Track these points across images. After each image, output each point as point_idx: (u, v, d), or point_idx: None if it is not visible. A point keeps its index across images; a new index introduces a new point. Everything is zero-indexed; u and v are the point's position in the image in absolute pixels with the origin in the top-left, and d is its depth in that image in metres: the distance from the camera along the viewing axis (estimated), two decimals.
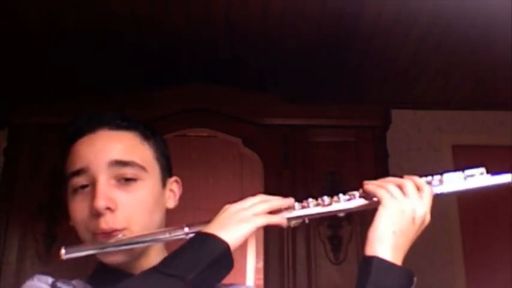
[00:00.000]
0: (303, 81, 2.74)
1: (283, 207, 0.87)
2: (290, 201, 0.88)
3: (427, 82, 2.80)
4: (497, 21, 2.25)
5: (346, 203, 0.88)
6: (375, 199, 0.87)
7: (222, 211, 0.85)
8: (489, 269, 2.74)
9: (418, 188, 0.87)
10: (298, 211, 0.87)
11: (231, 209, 0.84)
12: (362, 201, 0.88)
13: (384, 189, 0.86)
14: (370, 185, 0.87)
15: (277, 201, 0.87)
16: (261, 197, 0.87)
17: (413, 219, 0.84)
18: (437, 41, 2.45)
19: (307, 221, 0.88)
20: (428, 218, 0.86)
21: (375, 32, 2.39)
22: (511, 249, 2.72)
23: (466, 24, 2.30)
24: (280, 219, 0.86)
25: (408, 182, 0.87)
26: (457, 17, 2.26)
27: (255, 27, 2.35)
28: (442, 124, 2.99)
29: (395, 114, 2.62)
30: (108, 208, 0.85)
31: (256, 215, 0.84)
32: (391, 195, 0.85)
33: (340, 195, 0.89)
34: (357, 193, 0.89)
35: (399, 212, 0.83)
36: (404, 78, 2.77)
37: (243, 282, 2.16)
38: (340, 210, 0.88)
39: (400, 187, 0.86)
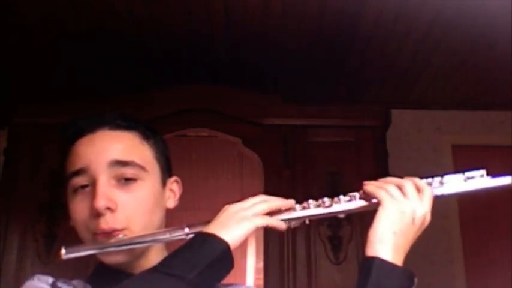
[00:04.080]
0: (302, 81, 2.74)
1: (283, 208, 0.87)
2: (290, 202, 0.87)
3: (427, 82, 2.80)
4: (497, 21, 2.25)
5: (346, 204, 0.88)
6: (374, 200, 0.86)
7: (222, 211, 0.85)
8: (489, 269, 2.74)
9: (418, 189, 0.86)
10: (299, 212, 0.87)
11: (231, 209, 0.84)
12: (362, 203, 0.87)
13: (384, 190, 0.85)
14: (370, 186, 0.87)
15: (277, 202, 0.87)
16: (261, 197, 0.87)
17: (413, 220, 0.83)
18: (437, 41, 2.45)
19: (307, 222, 0.88)
20: (428, 218, 0.85)
21: (375, 32, 2.39)
22: (511, 249, 2.72)
23: (466, 24, 2.30)
24: (279, 223, 0.86)
25: (408, 182, 0.86)
26: (457, 17, 2.26)
27: (255, 27, 2.35)
28: (442, 124, 2.99)
29: (395, 114, 2.62)
30: (108, 208, 0.85)
31: (256, 215, 0.83)
32: (391, 196, 0.84)
33: (341, 196, 0.88)
34: (357, 194, 0.88)
35: (399, 213, 0.83)
36: (404, 78, 2.77)
37: (243, 282, 2.16)
38: (340, 212, 0.88)
39: (400, 188, 0.86)
